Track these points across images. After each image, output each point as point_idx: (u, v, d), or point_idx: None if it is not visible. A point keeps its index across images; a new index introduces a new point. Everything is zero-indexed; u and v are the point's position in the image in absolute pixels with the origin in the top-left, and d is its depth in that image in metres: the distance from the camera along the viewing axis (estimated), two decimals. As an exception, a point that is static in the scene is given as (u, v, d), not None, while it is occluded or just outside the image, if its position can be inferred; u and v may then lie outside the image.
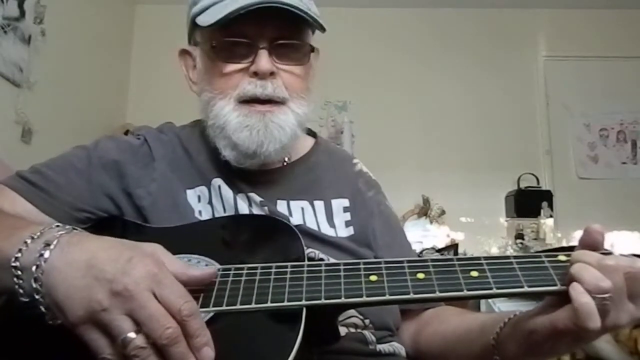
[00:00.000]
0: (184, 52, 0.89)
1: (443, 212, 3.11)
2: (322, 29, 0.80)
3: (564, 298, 0.55)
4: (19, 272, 0.53)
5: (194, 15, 0.81)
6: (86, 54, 2.81)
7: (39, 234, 0.55)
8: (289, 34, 0.79)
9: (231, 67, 0.79)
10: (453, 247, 2.92)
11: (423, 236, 3.05)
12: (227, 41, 0.78)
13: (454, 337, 0.77)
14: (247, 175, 0.84)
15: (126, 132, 2.82)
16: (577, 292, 0.52)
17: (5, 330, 0.64)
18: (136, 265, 0.51)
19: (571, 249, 0.59)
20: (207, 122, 0.83)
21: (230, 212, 0.82)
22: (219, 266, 0.64)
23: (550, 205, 3.07)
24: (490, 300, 2.23)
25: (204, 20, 0.78)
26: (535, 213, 3.06)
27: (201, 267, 0.60)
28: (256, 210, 0.82)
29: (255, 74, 0.78)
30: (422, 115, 3.36)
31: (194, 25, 0.83)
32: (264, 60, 0.77)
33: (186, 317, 0.49)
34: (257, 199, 0.83)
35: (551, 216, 3.05)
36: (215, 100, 0.80)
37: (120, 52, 3.32)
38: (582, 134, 3.37)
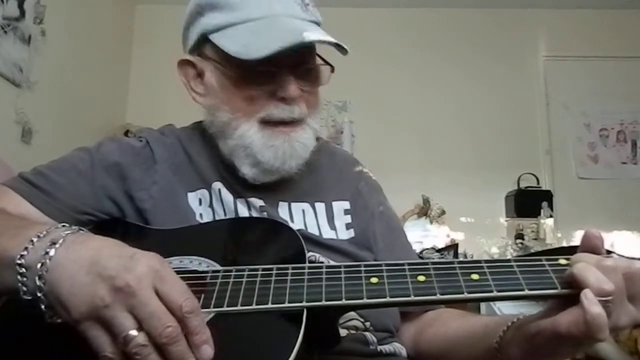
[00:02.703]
0: (183, 63, 0.86)
1: (443, 212, 3.11)
2: (345, 52, 0.78)
3: (565, 301, 0.54)
4: (23, 270, 0.53)
5: (206, 31, 0.79)
6: (86, 54, 2.81)
7: (45, 232, 0.55)
8: (311, 57, 0.81)
9: (255, 91, 0.78)
10: (453, 247, 2.92)
11: (423, 236, 3.05)
12: (251, 66, 0.76)
13: (456, 339, 0.77)
14: (247, 179, 0.83)
15: (126, 132, 2.82)
16: (590, 301, 0.51)
17: (6, 330, 0.64)
18: (139, 261, 0.51)
19: (571, 248, 0.59)
20: (228, 141, 0.81)
21: (230, 215, 0.82)
22: (219, 267, 0.64)
23: (550, 205, 3.07)
24: (490, 302, 2.23)
25: (235, 50, 0.74)
26: (535, 213, 3.06)
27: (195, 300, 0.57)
28: (256, 215, 0.82)
29: (283, 99, 0.78)
30: (422, 115, 3.36)
31: (203, 38, 0.80)
32: (292, 87, 0.77)
33: (187, 314, 0.49)
34: (257, 204, 0.83)
35: (551, 216, 3.05)
36: (237, 122, 0.79)
37: (120, 52, 3.32)
38: (582, 134, 3.37)
